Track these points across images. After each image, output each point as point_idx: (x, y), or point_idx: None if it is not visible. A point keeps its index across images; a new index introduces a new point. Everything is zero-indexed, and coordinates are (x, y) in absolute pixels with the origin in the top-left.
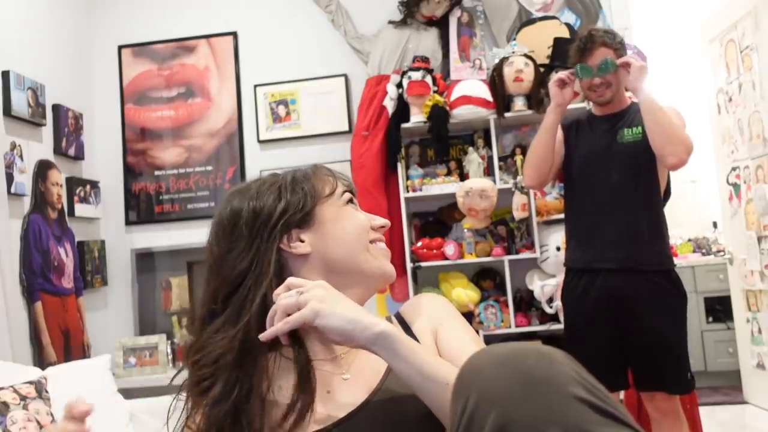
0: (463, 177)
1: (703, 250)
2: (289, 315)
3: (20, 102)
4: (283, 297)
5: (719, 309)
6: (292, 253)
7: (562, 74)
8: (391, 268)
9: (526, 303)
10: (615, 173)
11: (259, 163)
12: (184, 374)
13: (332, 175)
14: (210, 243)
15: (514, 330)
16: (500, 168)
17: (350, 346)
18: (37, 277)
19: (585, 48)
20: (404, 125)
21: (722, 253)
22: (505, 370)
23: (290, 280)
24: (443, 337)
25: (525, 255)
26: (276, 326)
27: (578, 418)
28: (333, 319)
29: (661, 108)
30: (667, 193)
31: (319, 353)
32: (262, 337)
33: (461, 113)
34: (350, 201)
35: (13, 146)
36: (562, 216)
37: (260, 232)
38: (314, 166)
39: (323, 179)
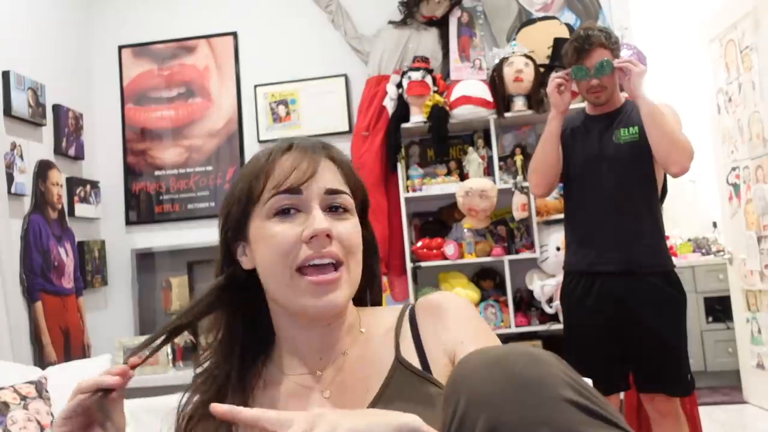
0: (463, 177)
1: (703, 250)
2: None
3: (20, 102)
4: None
5: (719, 309)
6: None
7: (558, 79)
8: (321, 305)
9: (526, 303)
10: (612, 174)
11: None
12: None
13: (280, 167)
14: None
15: (514, 330)
16: (500, 168)
17: None
18: (37, 277)
19: (582, 49)
20: (404, 125)
21: (722, 253)
22: (495, 372)
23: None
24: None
25: (525, 255)
26: None
27: (568, 420)
28: None
29: (663, 115)
30: (664, 191)
31: (296, 367)
32: None
33: (461, 113)
34: (283, 212)
35: (13, 146)
36: (561, 216)
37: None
38: (277, 149)
39: (267, 174)
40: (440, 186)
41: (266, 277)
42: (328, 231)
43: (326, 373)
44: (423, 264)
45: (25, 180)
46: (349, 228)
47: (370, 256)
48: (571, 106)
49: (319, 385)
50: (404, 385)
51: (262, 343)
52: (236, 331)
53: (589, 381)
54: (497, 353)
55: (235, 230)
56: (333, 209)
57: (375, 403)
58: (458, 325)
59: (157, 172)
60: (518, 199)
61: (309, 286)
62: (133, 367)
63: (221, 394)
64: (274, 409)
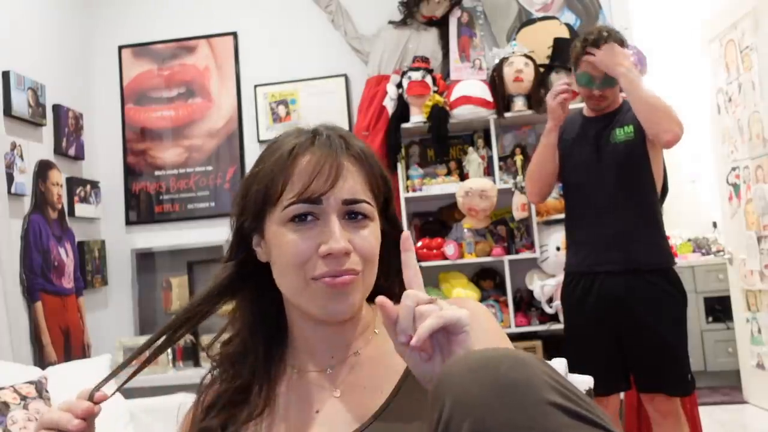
0: (463, 177)
1: (703, 250)
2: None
3: (20, 102)
4: (422, 308)
5: (719, 309)
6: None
7: (565, 93)
8: (335, 310)
9: (525, 303)
10: (610, 174)
11: None
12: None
13: (300, 172)
14: None
15: (514, 330)
16: (500, 168)
17: None
18: (37, 277)
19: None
20: (404, 125)
21: (722, 253)
22: (479, 376)
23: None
24: None
25: (525, 255)
26: (424, 325)
27: (553, 423)
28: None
29: (645, 88)
30: (665, 190)
31: (308, 363)
32: (413, 342)
33: (461, 113)
34: (297, 218)
35: (14, 146)
36: (562, 216)
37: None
38: (299, 144)
39: (286, 177)
40: (440, 186)
41: (279, 278)
42: (346, 250)
43: (337, 372)
44: (423, 264)
45: (25, 180)
46: (368, 236)
47: (394, 252)
48: (569, 106)
49: (329, 383)
50: (416, 389)
51: (278, 335)
52: (256, 322)
53: (591, 380)
54: (481, 356)
55: (252, 223)
56: (352, 216)
57: (386, 406)
58: (483, 337)
59: (157, 172)
60: (518, 199)
61: (323, 288)
62: (98, 403)
63: (245, 384)
64: (283, 405)
